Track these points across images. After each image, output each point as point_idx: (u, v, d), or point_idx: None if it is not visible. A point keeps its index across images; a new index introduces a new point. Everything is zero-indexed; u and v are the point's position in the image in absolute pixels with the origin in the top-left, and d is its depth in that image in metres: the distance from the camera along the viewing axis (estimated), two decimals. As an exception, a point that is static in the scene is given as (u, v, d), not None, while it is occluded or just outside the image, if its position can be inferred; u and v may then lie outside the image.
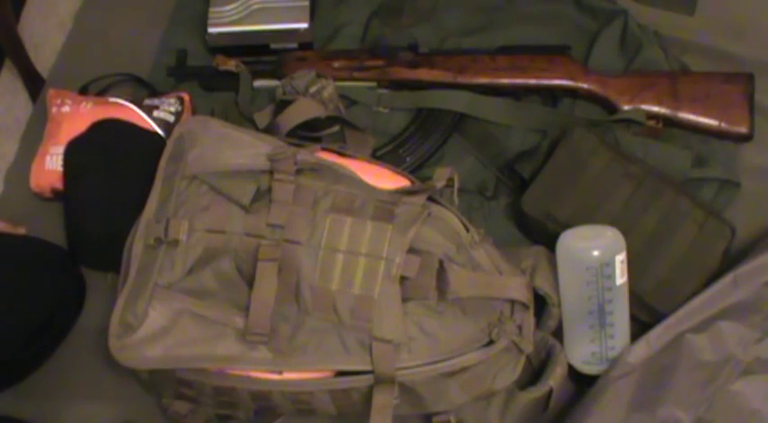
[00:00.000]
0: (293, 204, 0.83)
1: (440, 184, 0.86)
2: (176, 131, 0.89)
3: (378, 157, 1.00)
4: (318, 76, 1.01)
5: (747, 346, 0.80)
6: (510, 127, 1.03)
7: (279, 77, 1.04)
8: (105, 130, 0.98)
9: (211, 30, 1.07)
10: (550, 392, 0.84)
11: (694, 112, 1.00)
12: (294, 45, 1.08)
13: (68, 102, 1.02)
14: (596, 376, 0.85)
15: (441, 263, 0.81)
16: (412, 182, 0.89)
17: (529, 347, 0.83)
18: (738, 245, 0.93)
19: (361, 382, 0.79)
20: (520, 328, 0.82)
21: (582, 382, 0.88)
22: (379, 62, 1.04)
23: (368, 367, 0.79)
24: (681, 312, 0.84)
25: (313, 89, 0.99)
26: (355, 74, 1.05)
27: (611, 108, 1.02)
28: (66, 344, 0.94)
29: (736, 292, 0.84)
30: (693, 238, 0.90)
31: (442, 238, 0.82)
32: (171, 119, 1.00)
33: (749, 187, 0.99)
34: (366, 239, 0.80)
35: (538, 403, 0.85)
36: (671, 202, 0.91)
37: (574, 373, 0.88)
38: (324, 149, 0.90)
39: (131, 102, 1.01)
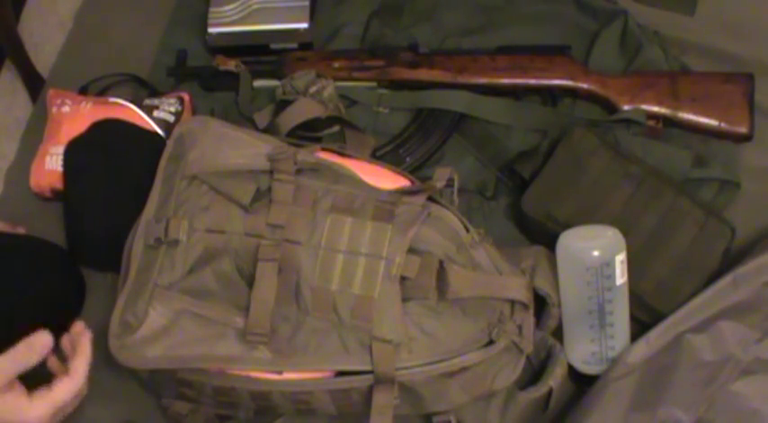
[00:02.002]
0: (293, 204, 0.83)
1: (440, 184, 0.86)
2: (176, 131, 0.89)
3: (378, 157, 1.00)
4: (318, 76, 1.01)
5: (747, 346, 0.80)
6: (510, 127, 1.03)
7: (279, 77, 1.04)
8: (105, 130, 0.98)
9: (211, 30, 1.07)
10: (550, 392, 0.84)
11: (694, 112, 1.00)
12: (294, 45, 1.08)
13: (68, 102, 1.02)
14: (596, 376, 0.85)
15: (441, 263, 0.80)
16: (412, 182, 0.89)
17: (529, 347, 0.83)
18: (738, 245, 0.93)
19: (361, 382, 0.79)
20: (520, 328, 0.82)
21: (582, 382, 0.88)
22: (379, 62, 1.04)
23: (368, 367, 0.79)
24: (681, 312, 0.83)
25: (313, 89, 0.99)
26: (355, 74, 1.05)
27: (611, 108, 1.02)
28: (66, 344, 0.94)
29: (736, 292, 0.83)
30: (693, 238, 0.90)
31: (442, 238, 0.82)
32: (171, 119, 1.00)
33: (749, 187, 0.99)
34: (366, 239, 0.80)
35: (538, 403, 0.85)
36: (671, 202, 0.91)
37: (574, 373, 0.88)
38: (324, 149, 0.90)
39: (131, 102, 1.01)
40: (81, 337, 0.79)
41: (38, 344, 0.75)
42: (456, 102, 1.02)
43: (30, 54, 1.22)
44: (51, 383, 0.75)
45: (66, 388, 0.75)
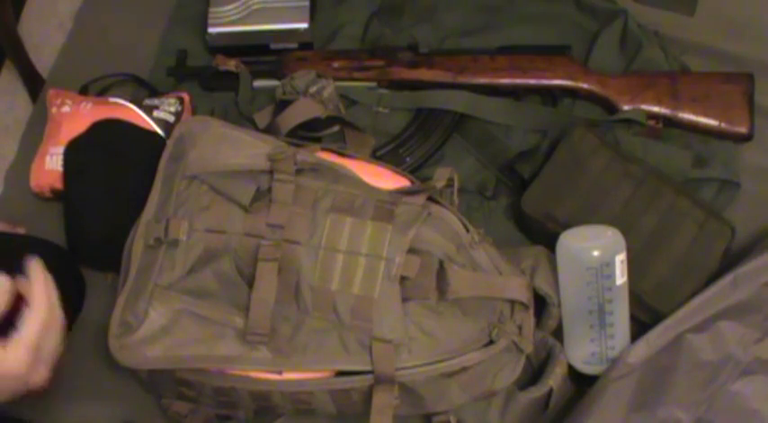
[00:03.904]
0: (293, 204, 0.83)
1: (440, 184, 0.86)
2: (176, 131, 0.89)
3: (378, 157, 1.00)
4: (318, 76, 1.01)
5: (747, 346, 0.80)
6: (510, 127, 1.03)
7: (279, 77, 1.04)
8: (105, 130, 0.98)
9: (211, 30, 1.07)
10: (550, 392, 0.84)
11: (694, 112, 1.00)
12: (294, 45, 1.08)
13: (68, 102, 1.02)
14: (596, 376, 0.85)
15: (441, 263, 0.81)
16: (412, 182, 0.89)
17: (529, 347, 0.83)
18: (738, 245, 0.93)
19: (361, 382, 0.79)
20: (520, 328, 0.82)
21: (582, 382, 0.88)
22: (379, 62, 1.04)
23: (368, 367, 0.79)
24: (681, 312, 0.84)
25: (313, 89, 0.99)
26: (355, 74, 1.05)
27: (611, 108, 1.02)
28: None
29: (736, 292, 0.84)
30: (693, 238, 0.90)
31: (442, 238, 0.82)
32: (171, 119, 1.00)
33: (749, 187, 0.99)
34: (366, 239, 0.80)
35: (538, 403, 0.85)
36: (671, 202, 0.91)
37: (574, 373, 0.88)
38: (324, 149, 0.90)
39: (131, 102, 1.01)
40: (31, 268, 0.75)
41: None
42: (456, 102, 1.02)
43: (30, 54, 1.22)
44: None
45: (31, 320, 0.73)
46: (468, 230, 0.83)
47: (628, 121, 1.00)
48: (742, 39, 1.07)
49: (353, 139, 1.00)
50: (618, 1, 1.09)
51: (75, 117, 1.00)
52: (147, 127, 0.99)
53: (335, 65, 1.04)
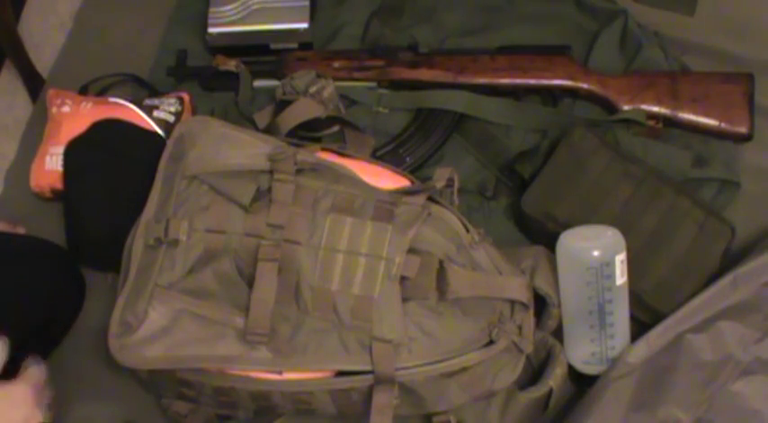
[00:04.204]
0: (293, 204, 0.83)
1: (440, 184, 0.86)
2: (176, 131, 0.89)
3: (378, 157, 1.00)
4: (318, 76, 1.01)
5: (747, 346, 0.80)
6: (510, 127, 1.03)
7: (279, 77, 1.04)
8: (105, 130, 0.98)
9: (211, 30, 1.07)
10: (550, 392, 0.84)
11: (694, 112, 1.00)
12: (294, 45, 1.08)
13: (68, 102, 1.02)
14: (596, 376, 0.85)
15: (441, 263, 0.81)
16: (412, 182, 0.89)
17: (529, 347, 0.83)
18: (738, 245, 0.93)
19: (362, 382, 0.79)
20: (520, 328, 0.82)
21: (582, 382, 0.88)
22: (379, 62, 1.04)
23: (368, 367, 0.79)
24: (681, 312, 0.84)
25: (313, 89, 0.99)
26: (355, 74, 1.05)
27: (611, 108, 1.02)
28: (65, 344, 0.94)
29: (736, 292, 0.84)
30: (693, 238, 0.90)
31: (442, 238, 0.82)
32: (171, 119, 1.00)
33: (749, 187, 0.99)
34: (366, 239, 0.80)
35: (538, 403, 0.85)
36: (671, 202, 0.91)
37: (574, 373, 0.88)
38: (324, 149, 0.90)
39: (131, 102, 1.01)
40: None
41: None
42: (456, 102, 1.02)
43: (30, 54, 1.22)
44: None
45: (29, 373, 0.81)
46: (468, 230, 0.83)
47: (628, 121, 1.00)
48: (742, 39, 1.07)
49: (353, 139, 1.00)
50: (618, 1, 1.09)
51: (75, 117, 1.00)
52: (147, 127, 0.99)
53: (335, 65, 1.04)
